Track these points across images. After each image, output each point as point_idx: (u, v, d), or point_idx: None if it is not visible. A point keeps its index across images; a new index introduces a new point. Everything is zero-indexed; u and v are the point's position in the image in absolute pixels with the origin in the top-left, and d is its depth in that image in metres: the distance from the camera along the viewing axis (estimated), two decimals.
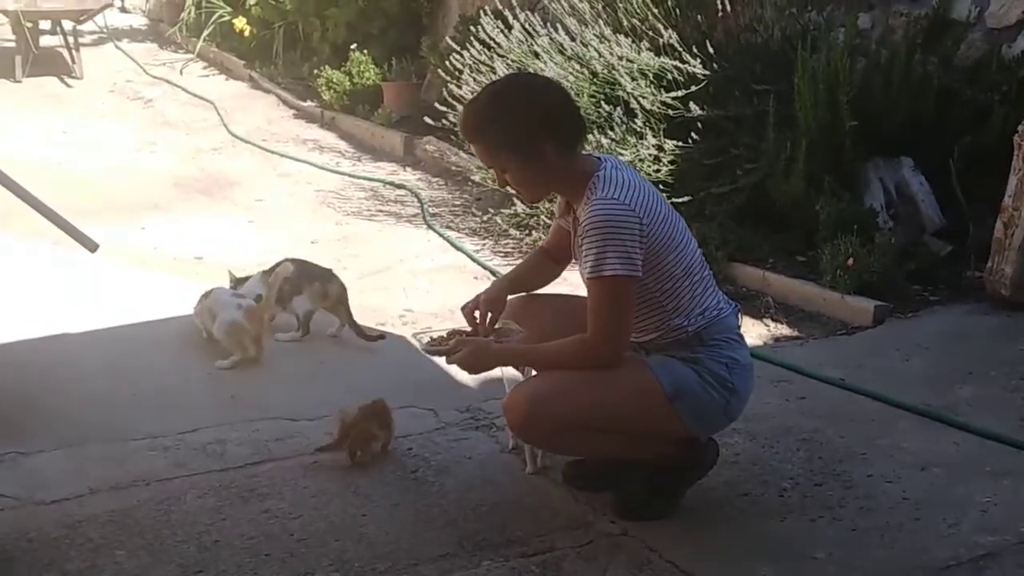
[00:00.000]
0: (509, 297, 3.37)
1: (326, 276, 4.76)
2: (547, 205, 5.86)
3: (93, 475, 3.46)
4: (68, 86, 10.38)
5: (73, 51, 10.65)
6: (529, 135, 2.95)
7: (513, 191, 3.19)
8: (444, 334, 3.24)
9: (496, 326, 3.25)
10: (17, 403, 4.02)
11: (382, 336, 4.68)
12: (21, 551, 2.99)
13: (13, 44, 10.60)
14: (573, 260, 3.18)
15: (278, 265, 4.60)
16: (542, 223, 5.94)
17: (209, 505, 3.26)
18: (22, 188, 3.96)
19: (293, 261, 4.77)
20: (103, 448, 3.69)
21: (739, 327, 3.15)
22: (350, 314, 4.75)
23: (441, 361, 3.32)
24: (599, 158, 3.05)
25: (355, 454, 3.51)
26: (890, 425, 3.82)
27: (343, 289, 4.77)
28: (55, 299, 5.09)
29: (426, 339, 3.22)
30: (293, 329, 4.76)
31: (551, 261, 3.41)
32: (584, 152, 3.10)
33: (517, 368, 3.40)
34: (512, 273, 3.50)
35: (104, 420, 3.94)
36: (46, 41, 10.86)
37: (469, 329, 3.24)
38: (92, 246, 4.08)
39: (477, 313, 3.24)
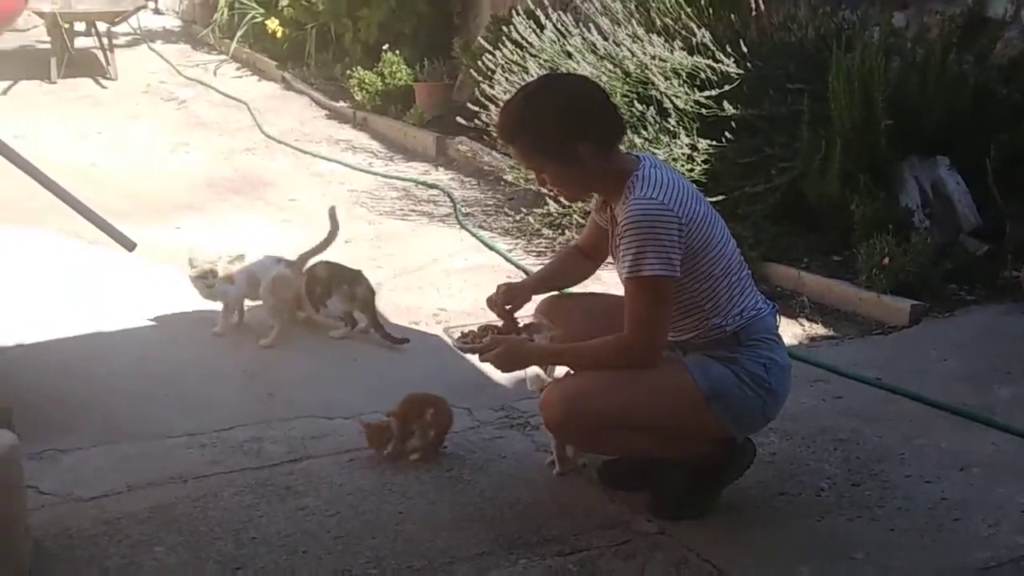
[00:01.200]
0: (541, 297, 3.38)
1: (354, 279, 4.80)
2: (580, 204, 5.85)
3: (131, 472, 3.47)
4: (102, 87, 10.46)
5: (107, 52, 10.75)
6: (563, 139, 2.94)
7: (552, 192, 3.19)
8: (475, 329, 3.23)
9: (528, 322, 3.25)
10: (55, 400, 4.05)
11: (405, 340, 4.69)
12: (61, 548, 3.00)
13: (48, 46, 10.71)
14: (610, 258, 3.16)
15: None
16: (575, 222, 5.94)
17: (246, 502, 3.27)
18: (61, 187, 3.99)
19: (326, 263, 4.83)
20: (140, 445, 3.71)
21: (777, 327, 3.14)
22: (375, 316, 4.79)
23: (474, 359, 3.32)
24: (637, 157, 3.03)
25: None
26: (928, 425, 3.79)
27: (370, 292, 4.80)
28: (92, 298, 5.12)
29: (457, 334, 3.22)
30: (342, 327, 4.85)
31: (584, 258, 3.40)
32: (622, 151, 3.08)
33: (543, 368, 3.40)
34: (542, 270, 3.50)
35: (141, 417, 3.97)
36: (80, 43, 10.96)
37: (500, 324, 3.24)
38: (130, 245, 4.10)
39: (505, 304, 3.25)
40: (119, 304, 5.03)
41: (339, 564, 2.92)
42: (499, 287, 3.33)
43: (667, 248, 2.85)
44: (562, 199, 4.93)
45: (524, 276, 5.06)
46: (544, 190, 5.99)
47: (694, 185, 3.12)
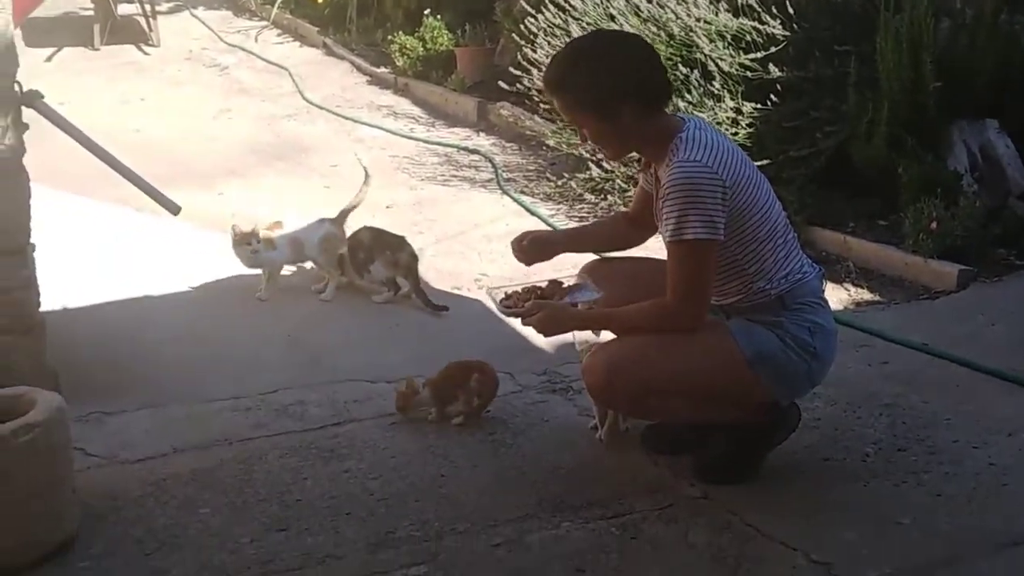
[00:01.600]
0: (587, 262, 3.37)
1: (397, 245, 4.84)
2: (622, 169, 5.82)
3: (176, 435, 3.51)
4: (145, 54, 10.50)
5: (150, 19, 10.78)
6: (606, 97, 2.91)
7: (592, 147, 3.17)
8: (519, 290, 3.22)
9: (572, 282, 3.24)
10: (100, 363, 4.10)
11: (445, 308, 4.71)
12: (107, 509, 3.04)
13: (92, 12, 10.77)
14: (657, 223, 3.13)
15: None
16: (617, 187, 5.90)
17: (290, 465, 3.30)
18: (106, 152, 4.00)
19: (369, 229, 4.87)
20: (185, 408, 3.75)
21: (823, 291, 3.11)
22: (417, 282, 4.81)
23: (516, 323, 3.31)
24: (683, 118, 3.00)
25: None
26: (975, 390, 3.75)
27: (413, 258, 4.83)
28: (138, 263, 5.17)
29: (501, 295, 3.21)
30: (385, 291, 4.88)
31: (628, 223, 3.38)
32: (667, 112, 3.05)
33: (595, 332, 3.39)
34: (578, 226, 3.47)
35: (186, 381, 4.02)
36: (123, 9, 10.98)
37: (544, 285, 3.22)
38: (175, 209, 4.12)
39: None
40: (164, 269, 5.07)
41: (382, 526, 2.94)
42: (523, 233, 3.34)
43: (710, 211, 2.83)
44: (604, 157, 4.92)
45: None
46: (586, 153, 5.98)
47: (739, 148, 3.08)
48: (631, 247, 3.45)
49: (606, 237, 3.54)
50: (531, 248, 3.33)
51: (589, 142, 3.13)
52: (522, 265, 3.43)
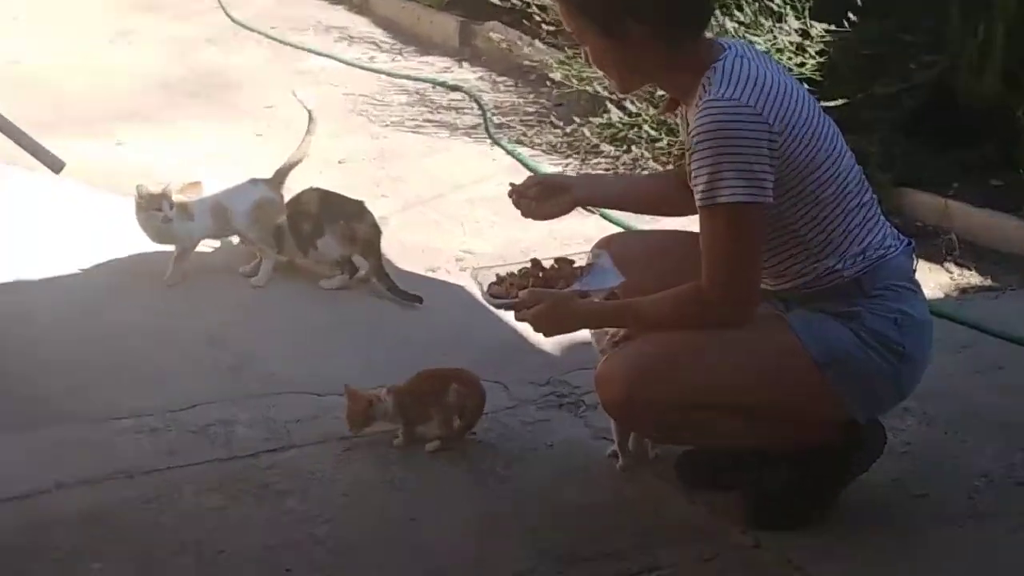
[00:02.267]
0: (604, 236, 3.38)
1: (354, 213, 4.80)
2: (652, 111, 5.82)
3: (61, 465, 3.51)
4: None
5: None
6: (612, 9, 2.89)
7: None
8: (515, 271, 3.18)
9: (584, 262, 3.22)
10: None
11: (418, 298, 4.70)
12: None
13: None
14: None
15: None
16: (645, 135, 5.90)
17: (212, 504, 3.31)
18: None
19: (317, 191, 4.84)
20: (72, 429, 3.74)
21: (914, 271, 3.12)
22: (380, 262, 4.79)
23: (509, 316, 3.30)
24: (723, 45, 2.97)
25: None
26: None
27: (375, 230, 4.80)
28: (8, 236, 5.16)
29: (491, 278, 3.18)
30: (338, 274, 4.86)
31: (677, 186, 3.26)
32: (704, 37, 3.03)
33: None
34: (601, 174, 3.42)
35: (73, 393, 4.00)
36: None
37: (548, 266, 3.19)
38: (57, 165, 4.14)
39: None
40: (43, 244, 5.06)
41: None
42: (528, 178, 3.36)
43: (752, 165, 2.80)
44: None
45: (581, 209, 5.04)
46: (603, 91, 5.98)
47: (800, 82, 3.07)
48: (676, 215, 3.42)
49: (640, 193, 3.53)
50: (540, 196, 3.30)
51: (592, 64, 3.11)
52: (517, 239, 3.44)
